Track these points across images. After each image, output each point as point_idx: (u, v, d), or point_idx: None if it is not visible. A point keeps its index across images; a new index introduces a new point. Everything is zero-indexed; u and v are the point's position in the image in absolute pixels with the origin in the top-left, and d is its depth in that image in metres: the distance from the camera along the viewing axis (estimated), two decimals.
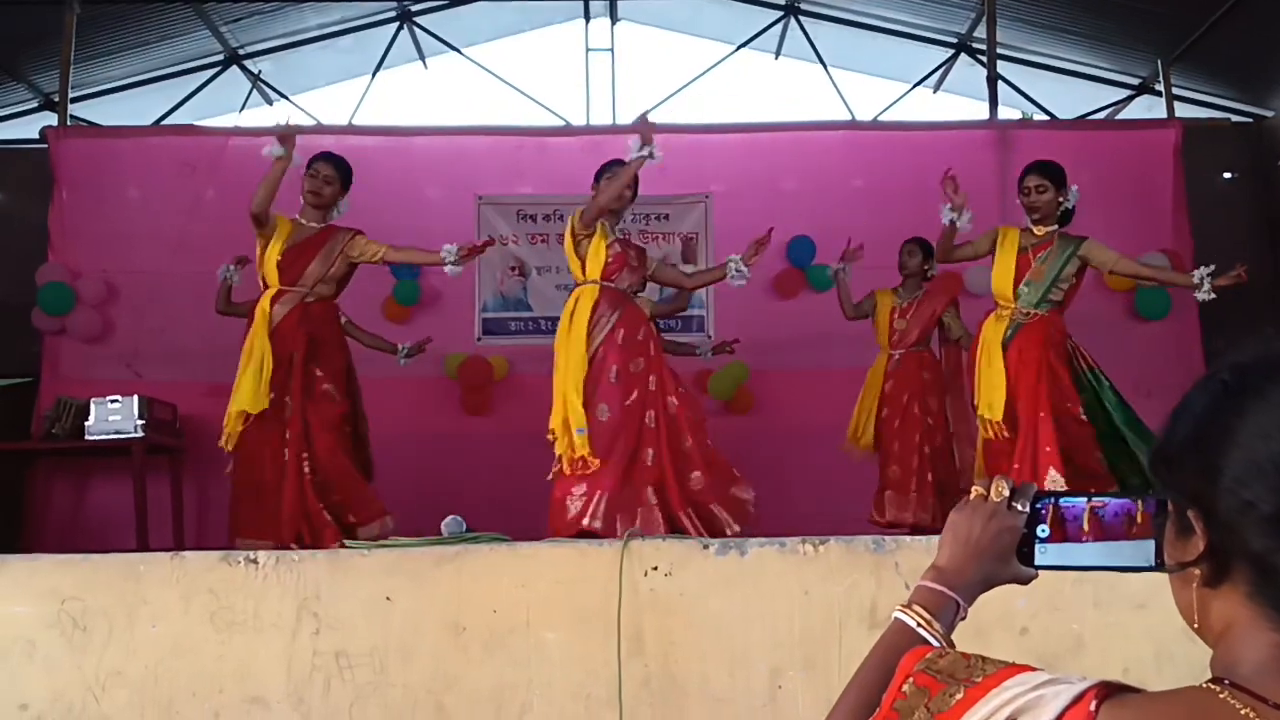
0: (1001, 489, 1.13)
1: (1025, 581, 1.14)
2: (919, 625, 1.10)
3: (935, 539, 3.37)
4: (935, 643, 1.08)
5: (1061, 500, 1.10)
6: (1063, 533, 1.10)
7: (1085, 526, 1.08)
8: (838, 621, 3.16)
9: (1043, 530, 1.10)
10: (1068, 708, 0.86)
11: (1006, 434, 4.52)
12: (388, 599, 3.21)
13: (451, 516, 4.13)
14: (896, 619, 1.12)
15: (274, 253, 4.72)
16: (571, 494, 4.34)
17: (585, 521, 4.27)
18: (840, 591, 3.18)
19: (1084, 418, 4.59)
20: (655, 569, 3.22)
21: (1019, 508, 1.12)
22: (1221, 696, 0.83)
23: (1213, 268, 4.64)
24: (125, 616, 3.20)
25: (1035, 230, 4.76)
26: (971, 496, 1.15)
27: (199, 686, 3.17)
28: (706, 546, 3.28)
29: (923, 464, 5.62)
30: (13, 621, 3.22)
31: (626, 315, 4.55)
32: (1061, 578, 3.09)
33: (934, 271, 5.77)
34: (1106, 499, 1.08)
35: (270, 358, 4.56)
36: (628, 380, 4.46)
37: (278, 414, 4.58)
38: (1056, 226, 4.77)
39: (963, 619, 1.12)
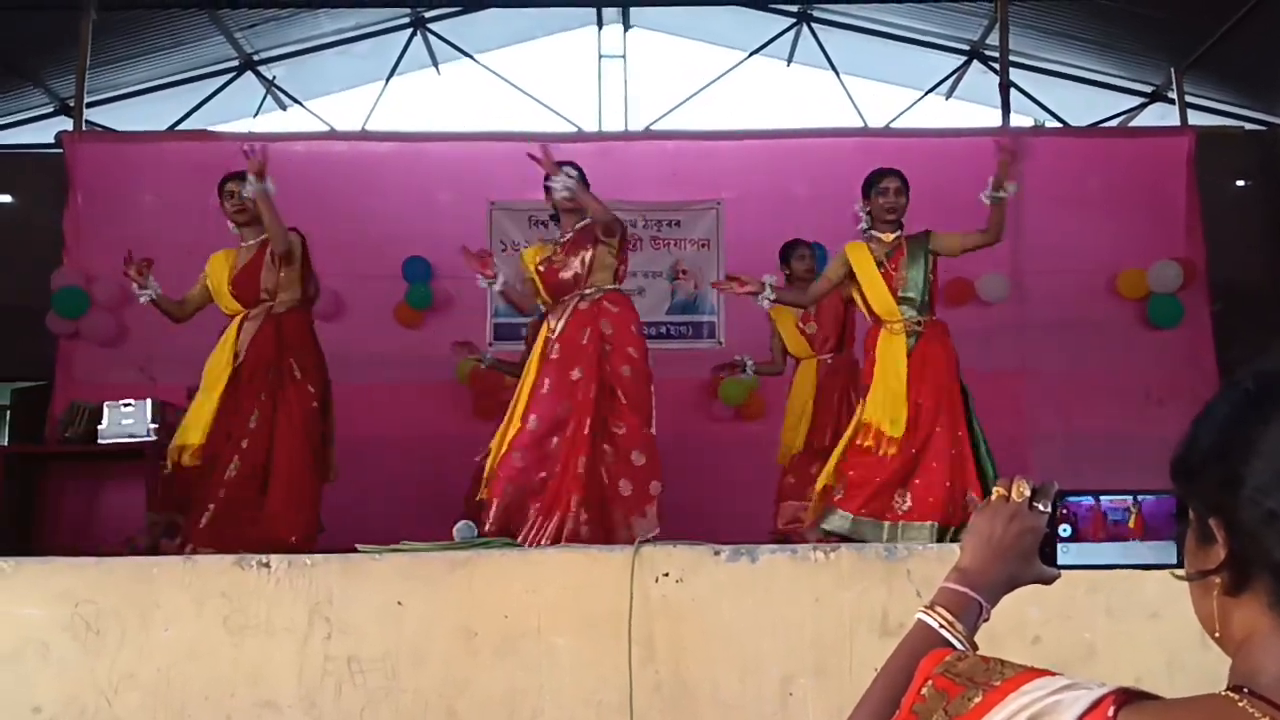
0: (1023, 489, 1.13)
1: (1048, 581, 1.14)
2: (941, 626, 1.10)
3: (947, 547, 3.36)
4: (958, 644, 1.08)
5: (1079, 500, 1.10)
6: (1083, 532, 1.10)
7: (1104, 525, 1.09)
8: (849, 628, 3.15)
9: (1064, 530, 1.11)
10: (1085, 713, 0.85)
11: (891, 451, 4.38)
12: (399, 604, 3.22)
13: (463, 522, 4.14)
14: (919, 620, 1.12)
15: (223, 286, 4.79)
16: None
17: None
18: (851, 598, 3.18)
19: (961, 435, 4.48)
20: (666, 575, 3.22)
21: (1040, 508, 1.12)
22: (1241, 705, 0.83)
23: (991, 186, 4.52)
24: (138, 620, 3.22)
25: (883, 238, 4.63)
26: (993, 497, 1.15)
27: (211, 690, 3.18)
28: (717, 553, 3.28)
29: None
30: (26, 624, 3.23)
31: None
32: (1074, 586, 3.09)
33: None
34: (1123, 497, 1.08)
35: (222, 388, 4.63)
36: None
37: (241, 426, 4.64)
38: (901, 231, 4.67)
39: (986, 620, 1.12)
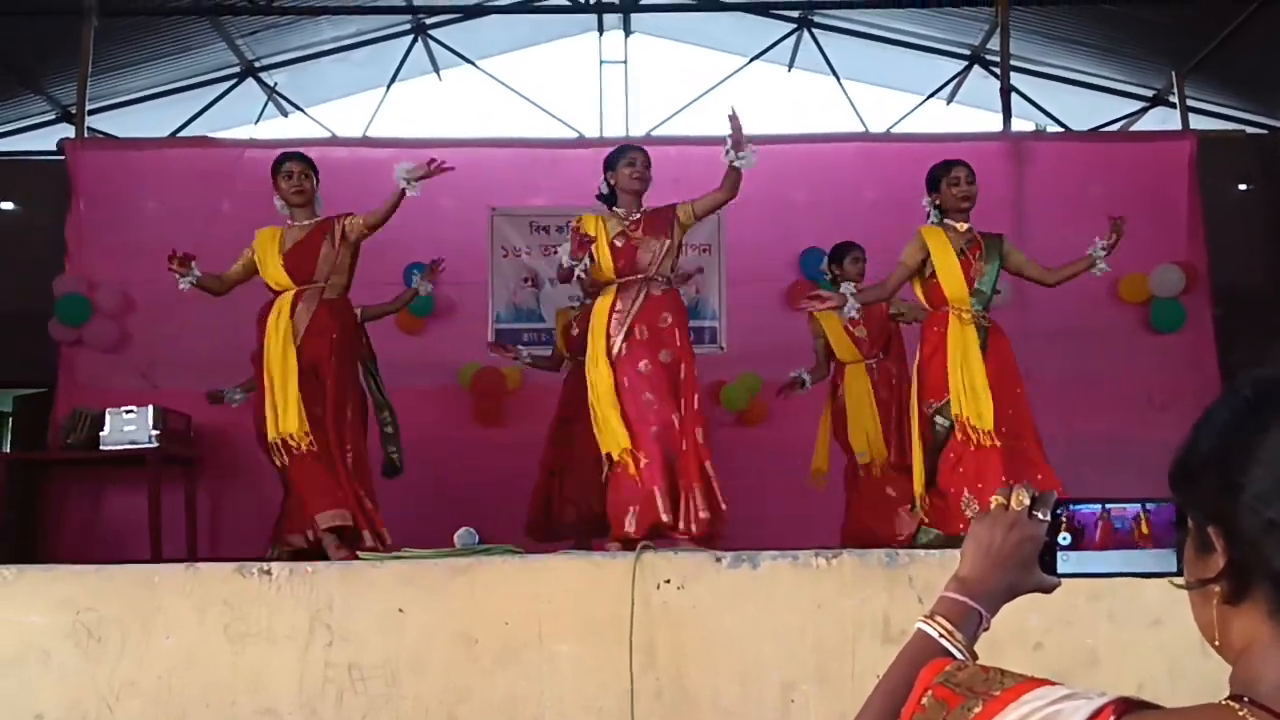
0: (1022, 498, 1.13)
1: (1048, 590, 1.14)
2: (941, 636, 1.09)
3: (949, 553, 3.35)
4: (957, 653, 1.08)
5: (1080, 508, 1.10)
6: (1083, 540, 1.10)
7: (1105, 533, 1.08)
8: (850, 635, 3.15)
9: (1064, 538, 1.11)
10: None
11: (997, 443, 4.34)
12: (400, 611, 3.22)
13: (464, 528, 4.13)
14: (919, 629, 1.11)
15: (270, 259, 4.72)
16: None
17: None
18: (853, 605, 3.17)
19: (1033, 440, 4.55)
20: (668, 582, 3.22)
21: (1040, 516, 1.12)
22: (1241, 714, 0.83)
23: (1104, 242, 4.58)
24: (139, 627, 3.22)
25: (958, 227, 4.59)
26: (992, 506, 1.15)
27: (212, 697, 3.18)
28: (718, 559, 3.28)
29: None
30: (28, 630, 3.23)
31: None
32: (1075, 594, 3.08)
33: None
34: (1125, 505, 1.08)
35: (296, 371, 4.49)
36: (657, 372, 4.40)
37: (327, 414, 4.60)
38: (971, 224, 4.64)
39: (986, 629, 1.12)
